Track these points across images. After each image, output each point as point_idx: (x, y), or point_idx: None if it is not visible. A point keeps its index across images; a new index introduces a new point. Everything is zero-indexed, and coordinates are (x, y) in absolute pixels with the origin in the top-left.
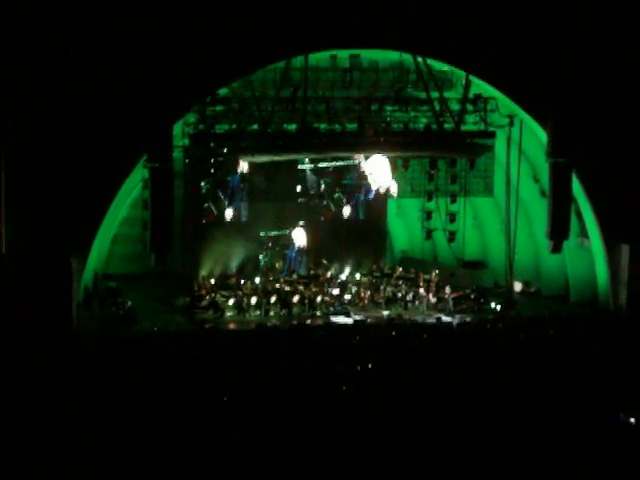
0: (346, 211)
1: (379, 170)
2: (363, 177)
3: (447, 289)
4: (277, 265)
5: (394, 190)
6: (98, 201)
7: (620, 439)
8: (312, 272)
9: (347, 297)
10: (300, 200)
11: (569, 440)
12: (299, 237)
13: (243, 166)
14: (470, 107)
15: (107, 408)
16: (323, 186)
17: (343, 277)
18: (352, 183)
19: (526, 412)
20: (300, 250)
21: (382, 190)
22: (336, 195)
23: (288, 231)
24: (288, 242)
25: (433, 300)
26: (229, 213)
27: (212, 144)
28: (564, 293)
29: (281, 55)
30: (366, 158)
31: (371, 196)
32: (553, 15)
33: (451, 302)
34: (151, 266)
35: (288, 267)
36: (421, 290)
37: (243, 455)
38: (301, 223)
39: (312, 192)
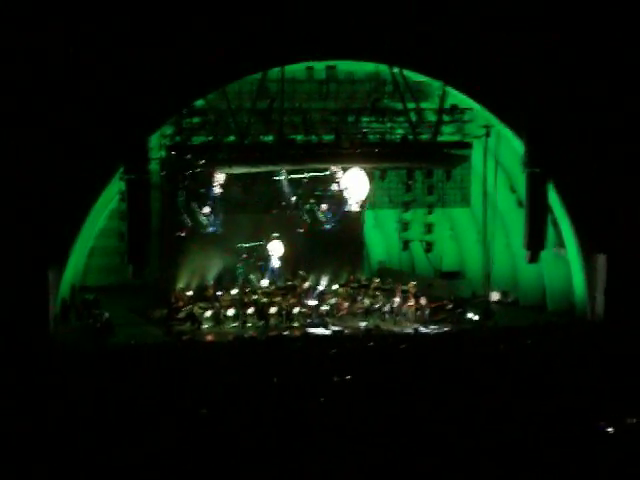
0: (321, 222)
1: (356, 184)
2: (339, 189)
3: (424, 300)
4: (253, 277)
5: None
6: (75, 213)
7: (599, 448)
8: (289, 283)
9: (324, 308)
10: (275, 212)
11: (547, 449)
12: (275, 249)
13: (219, 178)
14: (446, 118)
15: (83, 421)
16: (296, 197)
17: (320, 288)
18: (327, 194)
19: (504, 421)
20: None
21: (356, 206)
22: (309, 206)
23: (263, 242)
24: (264, 254)
25: (410, 311)
26: (205, 225)
27: (189, 156)
28: (541, 303)
29: (257, 67)
30: (344, 170)
31: (346, 209)
32: (529, 26)
33: (428, 312)
34: (128, 278)
35: (269, 277)
36: (398, 300)
37: (221, 467)
38: (275, 235)
39: (287, 203)
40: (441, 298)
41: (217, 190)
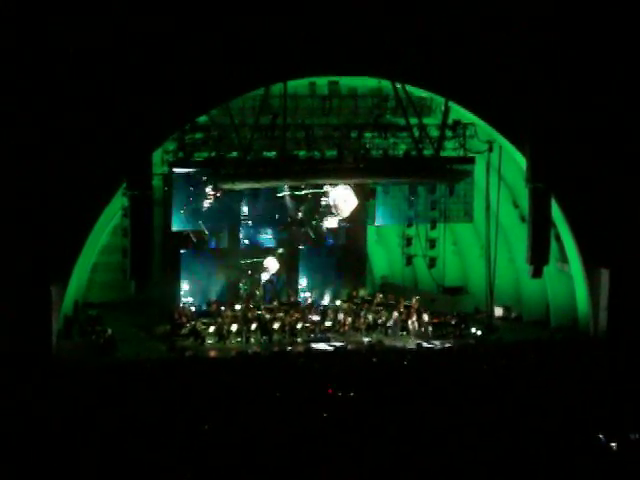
0: (325, 237)
1: (342, 201)
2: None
3: (427, 315)
4: (257, 292)
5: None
6: (78, 229)
7: (601, 463)
8: (292, 299)
9: (327, 323)
10: (279, 228)
11: (549, 463)
12: (272, 265)
13: (222, 194)
14: (449, 133)
15: (87, 437)
16: (301, 213)
17: (323, 303)
18: (326, 210)
19: (507, 435)
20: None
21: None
22: (314, 222)
23: (263, 259)
24: (266, 269)
25: (414, 326)
26: (208, 241)
27: (191, 172)
28: (544, 318)
29: (260, 82)
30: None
31: (333, 225)
32: (531, 41)
33: (431, 328)
34: (131, 294)
35: (270, 293)
36: (394, 314)
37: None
38: (280, 251)
39: (292, 218)
40: (444, 313)
41: (219, 206)
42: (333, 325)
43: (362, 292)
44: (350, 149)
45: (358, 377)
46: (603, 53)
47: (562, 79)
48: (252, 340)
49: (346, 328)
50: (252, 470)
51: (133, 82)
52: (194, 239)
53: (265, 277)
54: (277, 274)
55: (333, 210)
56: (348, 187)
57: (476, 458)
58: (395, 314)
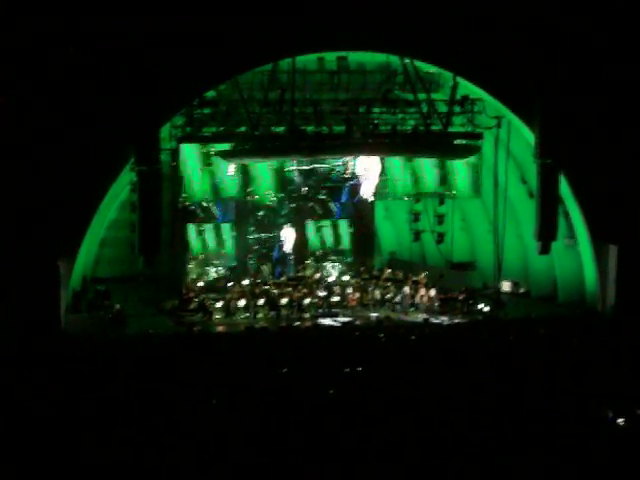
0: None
1: (371, 170)
2: (346, 179)
3: (435, 290)
4: (264, 267)
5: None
6: (86, 204)
7: (609, 439)
8: (300, 274)
9: (335, 299)
10: (287, 202)
11: (557, 439)
12: (288, 236)
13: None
14: (457, 109)
15: (95, 411)
16: (307, 188)
17: (331, 279)
18: (336, 185)
19: (514, 411)
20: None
21: (369, 192)
22: (322, 196)
23: (274, 233)
24: (274, 244)
25: (421, 302)
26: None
27: (200, 147)
28: (552, 294)
29: (268, 57)
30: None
31: (356, 199)
32: (540, 16)
33: (439, 303)
34: (139, 269)
35: (275, 269)
36: (405, 289)
37: (231, 457)
38: (288, 224)
39: (299, 193)
40: (452, 289)
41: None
42: (341, 300)
43: (370, 268)
44: (358, 124)
45: (365, 352)
46: (614, 26)
47: (571, 54)
48: (260, 315)
49: (354, 304)
50: (258, 444)
51: (142, 57)
52: (202, 214)
53: (284, 249)
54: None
55: (361, 180)
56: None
57: (482, 433)
58: (406, 289)
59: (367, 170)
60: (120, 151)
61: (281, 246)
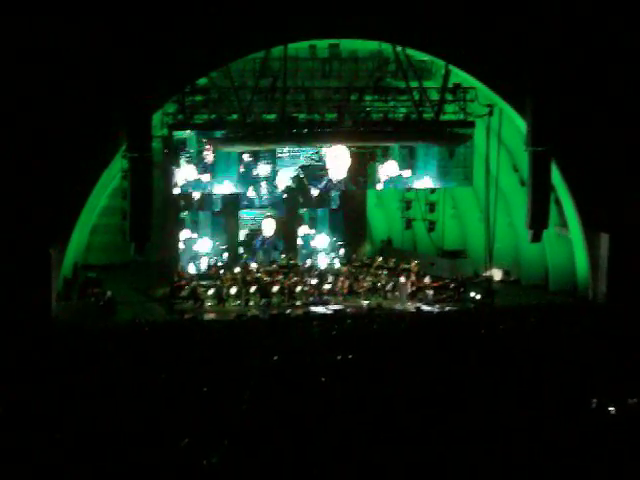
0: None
1: (337, 161)
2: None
3: (427, 279)
4: (245, 255)
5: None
6: (77, 191)
7: (599, 428)
8: (291, 262)
9: (327, 287)
10: (280, 190)
11: (547, 429)
12: (267, 227)
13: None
14: (449, 97)
15: (86, 399)
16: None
17: (322, 267)
18: (317, 173)
19: (505, 399)
20: (269, 239)
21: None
22: (309, 184)
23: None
24: (258, 232)
25: (413, 290)
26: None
27: (191, 134)
28: (543, 282)
29: (260, 45)
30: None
31: (321, 186)
32: (532, 4)
33: (431, 291)
34: (131, 256)
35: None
36: (401, 279)
37: (223, 446)
38: (268, 214)
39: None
40: (443, 277)
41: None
42: (332, 288)
43: (361, 255)
44: (350, 112)
45: (357, 340)
46: (605, 16)
47: (563, 43)
48: (251, 303)
49: (345, 292)
50: (249, 432)
51: (134, 44)
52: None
53: (260, 239)
54: (276, 236)
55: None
56: (343, 147)
57: (473, 423)
58: (402, 279)
59: (336, 158)
60: (112, 138)
61: (262, 236)
